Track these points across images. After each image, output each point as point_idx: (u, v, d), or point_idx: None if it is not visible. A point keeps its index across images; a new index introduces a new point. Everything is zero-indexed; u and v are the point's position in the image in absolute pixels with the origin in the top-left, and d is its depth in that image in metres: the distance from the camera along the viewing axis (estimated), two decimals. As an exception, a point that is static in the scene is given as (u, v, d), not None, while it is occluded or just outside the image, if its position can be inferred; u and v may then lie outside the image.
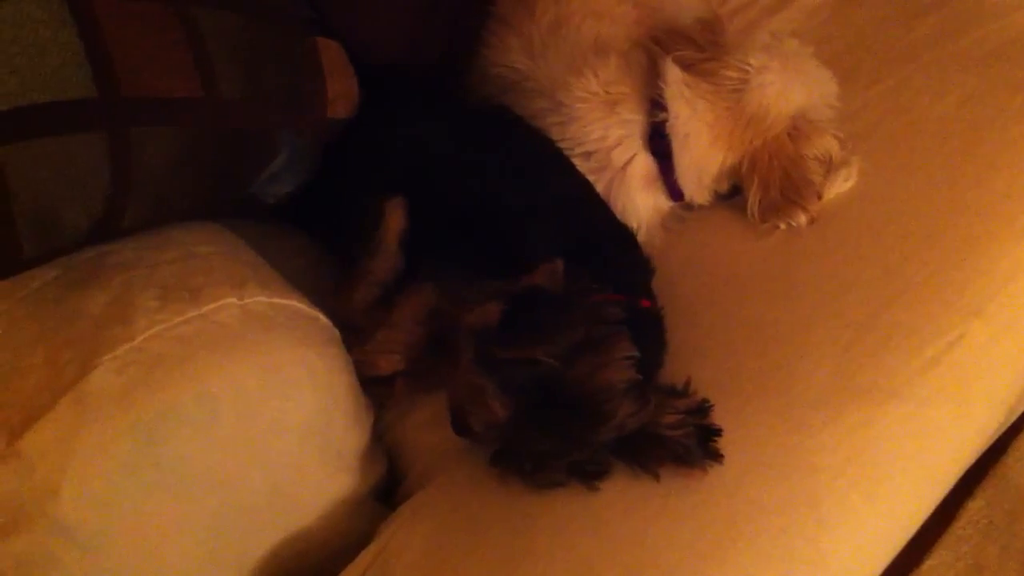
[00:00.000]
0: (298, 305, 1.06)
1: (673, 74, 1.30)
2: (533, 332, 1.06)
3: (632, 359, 1.07)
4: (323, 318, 1.10)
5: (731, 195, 1.37)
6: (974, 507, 1.68)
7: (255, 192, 1.22)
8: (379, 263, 1.27)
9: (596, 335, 1.07)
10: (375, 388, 1.24)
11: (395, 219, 1.26)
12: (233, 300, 0.99)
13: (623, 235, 1.28)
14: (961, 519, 1.66)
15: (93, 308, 0.96)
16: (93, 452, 0.91)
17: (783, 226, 1.32)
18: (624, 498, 1.09)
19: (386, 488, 1.26)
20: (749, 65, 1.31)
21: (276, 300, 1.03)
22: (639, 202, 1.35)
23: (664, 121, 1.31)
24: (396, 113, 1.35)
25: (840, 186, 1.34)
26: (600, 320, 1.08)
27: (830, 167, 1.33)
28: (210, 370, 0.96)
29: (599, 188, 1.33)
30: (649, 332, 1.14)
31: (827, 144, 1.33)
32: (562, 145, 1.33)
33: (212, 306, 0.98)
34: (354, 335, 1.23)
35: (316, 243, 1.39)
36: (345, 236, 1.31)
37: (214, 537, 1.04)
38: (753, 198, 1.32)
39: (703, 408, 1.11)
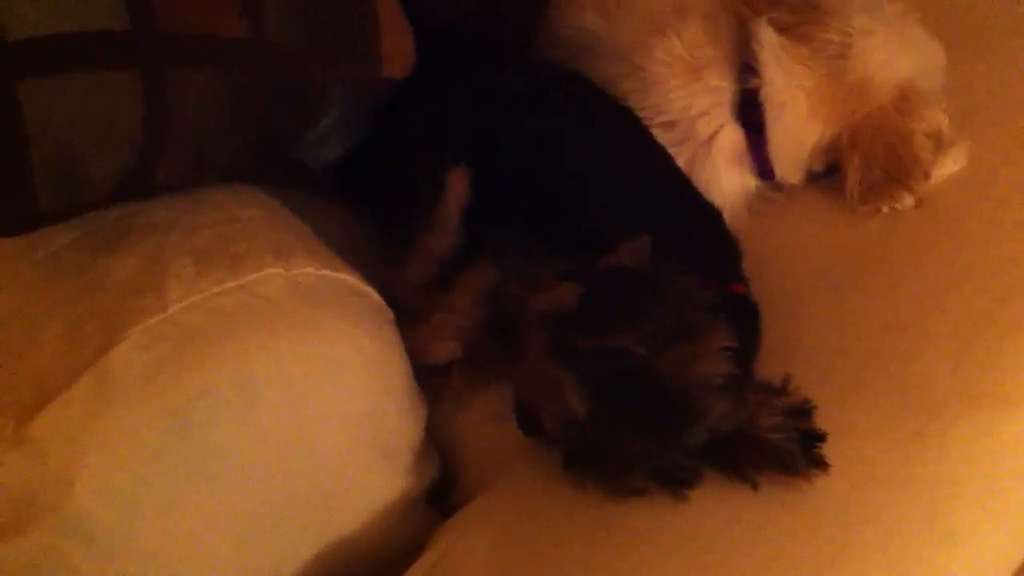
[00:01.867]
0: (350, 279, 0.94)
1: (768, 36, 1.18)
2: (619, 317, 0.94)
3: (730, 351, 0.94)
4: (376, 295, 0.99)
5: (826, 174, 1.25)
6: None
7: (301, 156, 1.08)
8: (438, 238, 1.16)
9: (690, 322, 0.94)
10: (429, 378, 1.12)
11: (458, 189, 1.15)
12: (279, 270, 0.88)
13: (709, 213, 1.15)
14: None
15: (120, 274, 0.85)
16: (115, 439, 0.80)
17: (885, 209, 1.19)
18: (717, 510, 0.96)
19: (436, 491, 1.14)
20: (851, 28, 1.19)
21: (326, 272, 0.91)
22: (724, 180, 1.23)
23: (757, 88, 1.19)
24: (458, 75, 1.24)
25: (950, 166, 1.21)
26: (693, 305, 0.95)
27: (939, 144, 1.21)
28: (251, 349, 0.85)
29: (680, 163, 1.21)
30: (744, 321, 1.01)
31: (937, 118, 1.21)
32: (640, 115, 1.22)
33: (255, 276, 0.86)
34: (407, 318, 1.11)
35: (365, 217, 1.28)
36: (400, 208, 1.20)
37: (250, 539, 0.93)
38: (853, 177, 1.19)
39: (805, 409, 0.98)
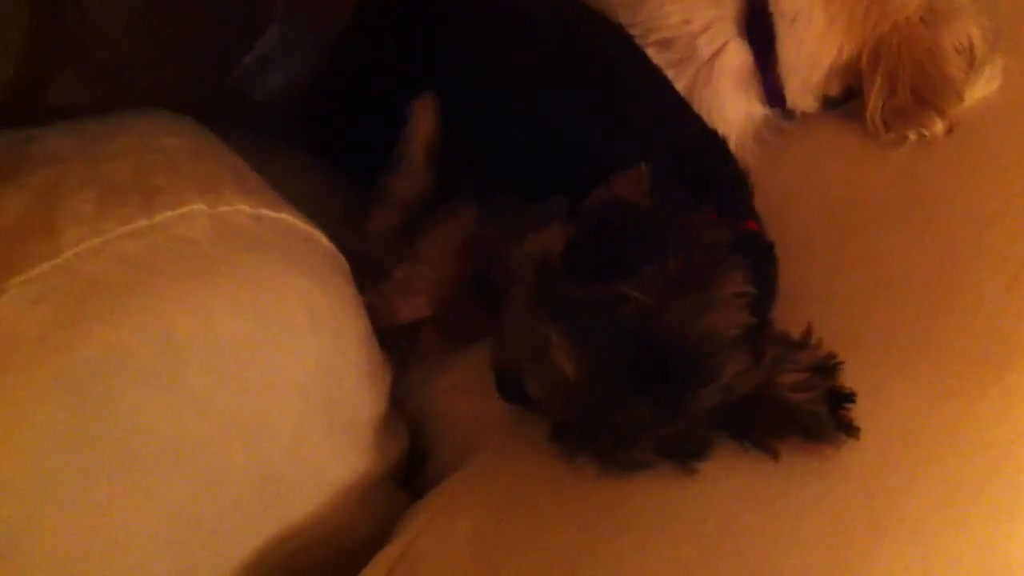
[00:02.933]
0: (294, 221, 0.79)
1: (778, -63, 1.05)
2: (615, 260, 0.80)
3: (745, 297, 0.81)
4: (326, 241, 0.84)
5: (844, 100, 1.12)
6: None
7: (242, 83, 0.93)
8: (402, 179, 1.04)
9: (700, 265, 0.80)
10: (394, 340, 0.99)
11: (424, 123, 1.03)
12: (201, 207, 0.72)
13: (714, 143, 1.01)
14: None
15: (5, 214, 0.69)
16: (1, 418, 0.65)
17: (913, 137, 1.07)
18: (731, 484, 0.84)
19: (406, 470, 1.01)
20: (872, -72, 1.06)
21: (264, 212, 0.76)
22: (728, 106, 1.10)
23: None
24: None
25: (983, 87, 1.09)
26: (703, 245, 0.81)
27: (971, 61, 1.08)
28: (170, 302, 0.70)
29: (679, 87, 1.08)
30: (758, 264, 0.87)
31: (968, 30, 1.08)
32: (632, 32, 1.09)
33: (171, 214, 0.71)
34: (369, 271, 0.98)
35: (324, 164, 1.15)
36: (361, 149, 1.08)
37: (182, 536, 0.78)
38: (875, 100, 1.07)
39: (831, 364, 0.86)
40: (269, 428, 0.79)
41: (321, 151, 1.14)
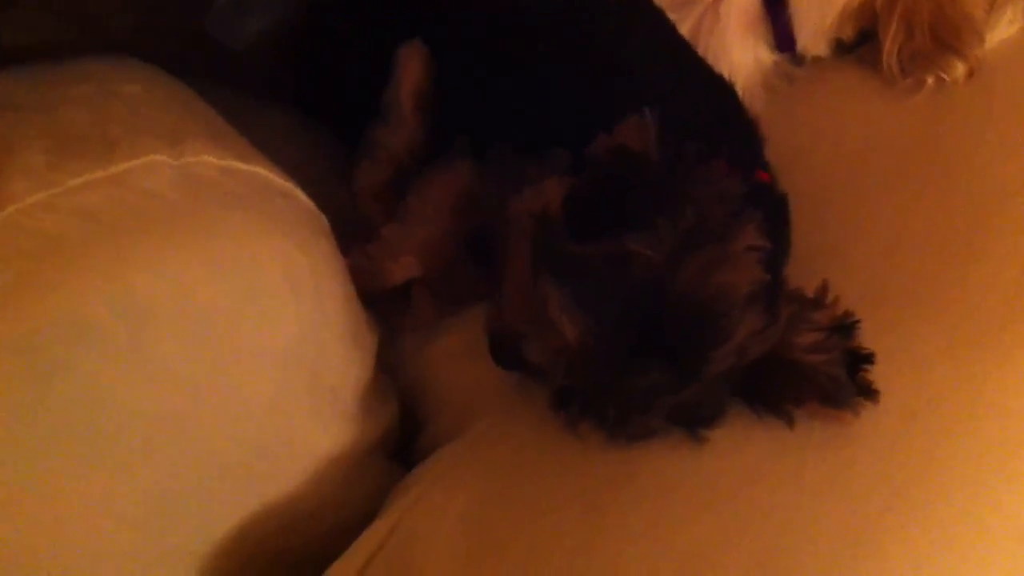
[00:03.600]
0: (268, 175, 0.72)
1: None
2: (621, 215, 0.74)
3: (760, 251, 0.75)
4: (304, 197, 0.77)
5: (856, 45, 1.06)
6: None
7: (214, 29, 0.85)
8: (391, 131, 0.97)
9: (711, 218, 0.74)
10: (384, 303, 0.92)
11: (411, 70, 0.96)
12: (163, 158, 0.65)
13: (721, 89, 0.95)
14: None
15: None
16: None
17: (931, 81, 1.01)
18: (745, 457, 0.78)
19: (400, 440, 0.95)
20: None
21: (234, 164, 0.69)
22: (736, 51, 1.03)
23: None
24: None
25: (1005, 28, 1.03)
26: (716, 197, 0.75)
27: (993, 1, 1.02)
28: (132, 261, 0.63)
29: (682, 31, 1.01)
30: (772, 216, 0.80)
31: None
32: None
33: (130, 164, 0.64)
34: (356, 229, 0.92)
35: (308, 119, 1.08)
36: (346, 101, 1.01)
37: (156, 519, 0.72)
38: (892, 44, 1.01)
39: (848, 324, 0.79)
40: (247, 399, 0.73)
41: (305, 104, 1.07)
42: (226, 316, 0.69)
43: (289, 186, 0.75)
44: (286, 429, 0.78)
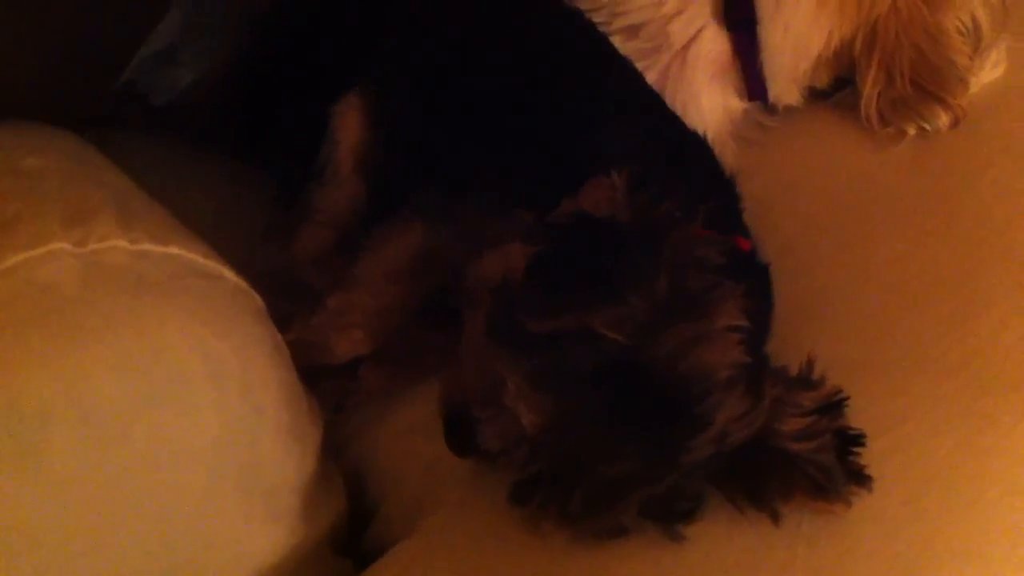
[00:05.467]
0: (187, 255, 0.65)
1: (760, -97, 0.95)
2: (587, 287, 0.68)
3: (739, 330, 0.68)
4: (231, 276, 0.70)
5: (831, 92, 1.02)
6: None
7: (137, 83, 0.78)
8: (328, 193, 0.90)
9: (688, 290, 0.68)
10: (328, 383, 0.86)
11: (348, 127, 0.90)
12: (64, 245, 0.58)
13: (694, 144, 0.89)
14: None
15: None
16: None
17: (913, 131, 0.96)
18: (727, 551, 0.71)
19: (350, 528, 0.86)
20: None
21: (147, 247, 0.62)
22: (704, 100, 0.98)
23: None
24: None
25: (990, 73, 0.99)
26: (691, 266, 0.69)
27: (977, 44, 0.98)
28: (21, 365, 0.55)
29: (649, 79, 0.96)
30: (753, 289, 0.74)
31: (974, 10, 0.98)
32: (596, 18, 0.97)
33: (26, 255, 0.56)
34: (298, 300, 0.85)
35: (241, 172, 1.01)
36: (282, 156, 0.95)
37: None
38: (871, 91, 0.97)
39: (836, 402, 0.73)
40: (166, 506, 0.65)
41: (238, 157, 1.00)
42: (135, 414, 0.61)
43: (212, 265, 0.67)
44: (214, 535, 0.70)
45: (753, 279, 0.76)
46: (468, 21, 0.93)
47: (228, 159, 1.01)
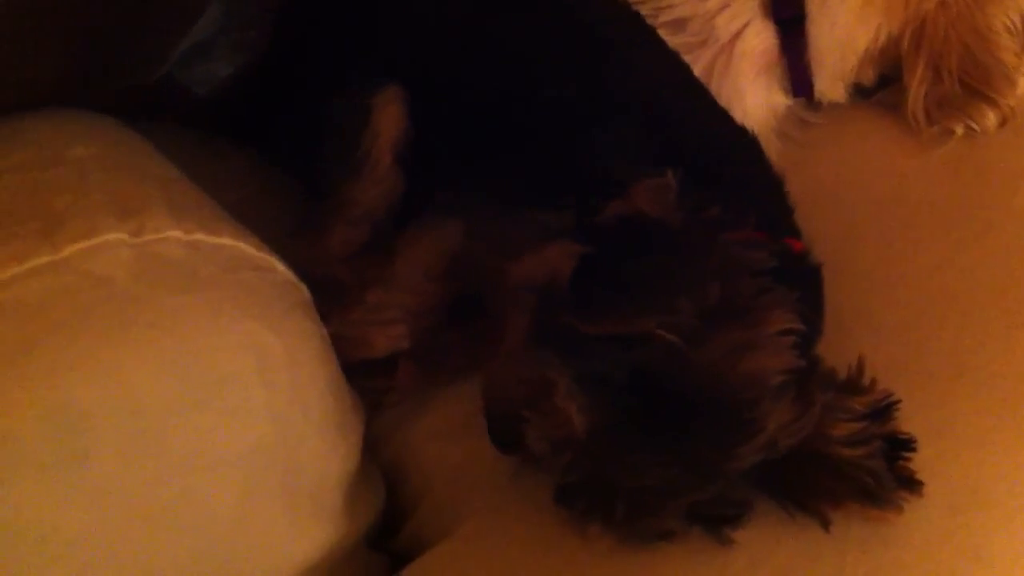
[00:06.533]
0: (240, 246, 0.64)
1: None
2: (638, 290, 0.66)
3: (792, 334, 0.67)
4: (281, 268, 0.69)
5: (876, 90, 1.01)
6: None
7: (176, 72, 0.77)
8: (366, 187, 0.88)
9: (739, 295, 0.67)
10: (366, 378, 0.84)
11: (389, 119, 0.87)
12: (121, 236, 0.57)
13: (744, 142, 0.87)
14: None
15: None
16: None
17: (960, 131, 0.96)
18: (775, 556, 0.70)
19: (385, 526, 0.85)
20: None
21: (200, 237, 0.60)
22: (749, 96, 0.98)
23: None
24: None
25: None
26: (743, 270, 0.68)
27: None
28: (71, 366, 0.54)
29: (695, 73, 0.93)
30: (806, 292, 0.73)
31: (1022, 7, 0.96)
32: (641, 10, 0.94)
33: (82, 246, 0.55)
34: (331, 297, 0.82)
35: (272, 165, 0.99)
36: (316, 151, 0.91)
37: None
38: (918, 89, 0.95)
39: (887, 406, 0.72)
40: (208, 508, 0.64)
41: (273, 151, 0.98)
42: (183, 418, 0.60)
43: (263, 257, 0.66)
44: (254, 535, 0.68)
45: (804, 281, 0.75)
46: (512, 14, 0.91)
47: (254, 153, 1.00)
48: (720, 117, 0.88)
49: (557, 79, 0.86)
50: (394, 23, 0.90)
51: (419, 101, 0.88)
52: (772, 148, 0.98)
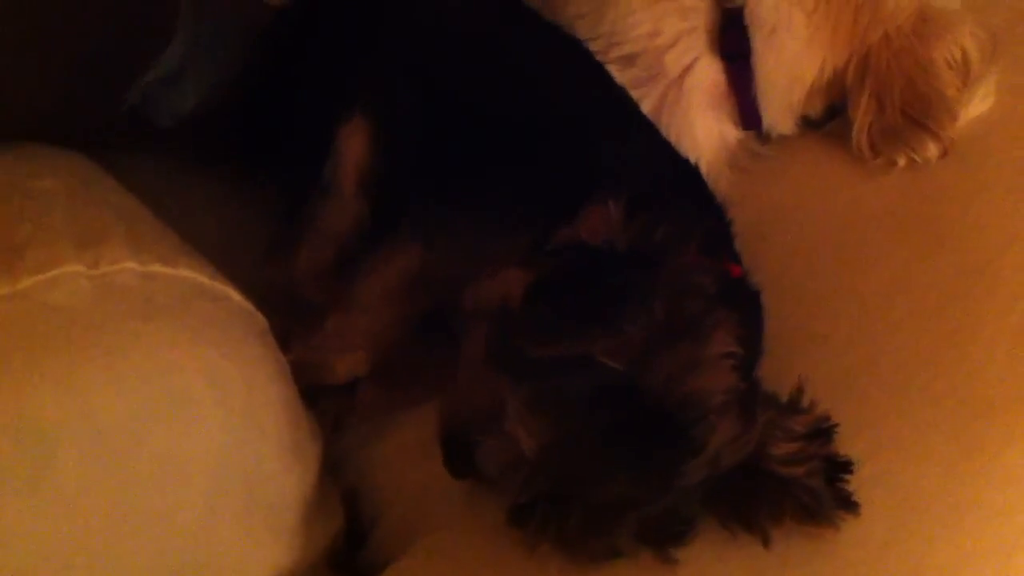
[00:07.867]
0: (196, 277, 0.66)
1: (754, -62, 0.95)
2: (585, 314, 0.69)
3: (733, 356, 0.70)
4: (237, 297, 0.71)
5: (824, 121, 1.03)
6: None
7: (141, 105, 0.79)
8: (331, 211, 0.91)
9: (683, 317, 0.69)
10: (326, 402, 0.87)
11: (353, 149, 0.91)
12: (78, 268, 0.60)
13: (687, 172, 0.91)
14: None
15: None
16: None
17: (902, 162, 0.97)
18: (718, 574, 0.72)
19: (346, 547, 0.86)
20: (857, -71, 0.96)
21: (157, 269, 0.63)
22: (699, 129, 0.99)
23: (741, 7, 0.97)
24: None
25: (979, 105, 0.99)
26: (686, 293, 0.70)
27: (966, 77, 0.99)
28: (33, 383, 0.56)
29: (644, 109, 0.97)
30: (745, 316, 0.75)
31: (962, 42, 0.98)
32: (592, 47, 0.98)
33: (40, 278, 0.58)
34: (295, 321, 0.86)
35: (244, 191, 1.01)
36: (284, 175, 0.96)
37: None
38: (862, 120, 0.97)
39: (825, 428, 0.74)
40: (169, 522, 0.66)
41: (240, 175, 1.01)
42: (141, 434, 0.62)
43: (219, 287, 0.68)
44: (216, 551, 0.71)
45: (745, 305, 0.77)
46: (467, 42, 0.94)
47: (229, 179, 1.01)
48: (662, 146, 0.91)
49: (513, 116, 0.89)
50: (359, 59, 0.93)
51: (386, 126, 0.91)
52: (724, 179, 1.00)
